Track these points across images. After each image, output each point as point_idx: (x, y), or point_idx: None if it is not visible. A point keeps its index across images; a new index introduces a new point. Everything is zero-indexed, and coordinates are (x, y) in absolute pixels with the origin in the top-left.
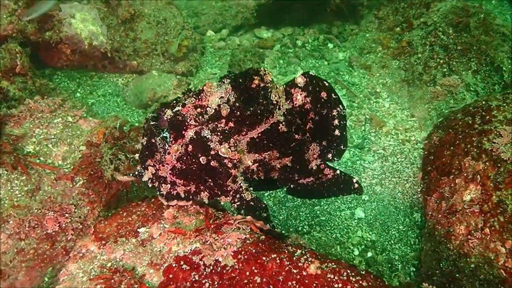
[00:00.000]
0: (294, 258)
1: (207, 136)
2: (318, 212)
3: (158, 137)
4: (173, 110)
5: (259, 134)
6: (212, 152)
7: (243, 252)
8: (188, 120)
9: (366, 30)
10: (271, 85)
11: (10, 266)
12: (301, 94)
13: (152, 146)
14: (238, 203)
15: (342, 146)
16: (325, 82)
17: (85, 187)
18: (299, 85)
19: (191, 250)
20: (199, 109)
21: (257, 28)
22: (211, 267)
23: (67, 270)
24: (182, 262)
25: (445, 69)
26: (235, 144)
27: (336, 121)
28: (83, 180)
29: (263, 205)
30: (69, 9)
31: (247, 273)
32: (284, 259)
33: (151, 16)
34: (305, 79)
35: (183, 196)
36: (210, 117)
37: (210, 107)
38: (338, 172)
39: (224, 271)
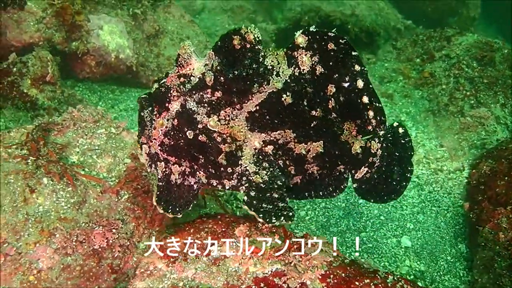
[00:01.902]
0: (389, 285)
1: (193, 108)
2: (364, 238)
3: (146, 110)
4: (159, 82)
5: (257, 107)
6: (200, 126)
7: (331, 276)
8: (171, 91)
9: (385, 59)
10: (266, 50)
11: (56, 283)
12: (306, 55)
13: (142, 120)
14: (246, 185)
15: (379, 117)
16: (330, 33)
17: (130, 202)
18: (301, 45)
19: (271, 271)
20: (182, 79)
21: None
22: None
23: None
24: (262, 284)
25: (472, 101)
26: (227, 118)
27: (365, 99)
28: (128, 194)
29: (280, 184)
30: (98, 20)
31: None
32: (379, 285)
33: (174, 33)
34: (306, 38)
35: (178, 180)
36: (193, 86)
37: (193, 76)
38: (384, 140)
39: None
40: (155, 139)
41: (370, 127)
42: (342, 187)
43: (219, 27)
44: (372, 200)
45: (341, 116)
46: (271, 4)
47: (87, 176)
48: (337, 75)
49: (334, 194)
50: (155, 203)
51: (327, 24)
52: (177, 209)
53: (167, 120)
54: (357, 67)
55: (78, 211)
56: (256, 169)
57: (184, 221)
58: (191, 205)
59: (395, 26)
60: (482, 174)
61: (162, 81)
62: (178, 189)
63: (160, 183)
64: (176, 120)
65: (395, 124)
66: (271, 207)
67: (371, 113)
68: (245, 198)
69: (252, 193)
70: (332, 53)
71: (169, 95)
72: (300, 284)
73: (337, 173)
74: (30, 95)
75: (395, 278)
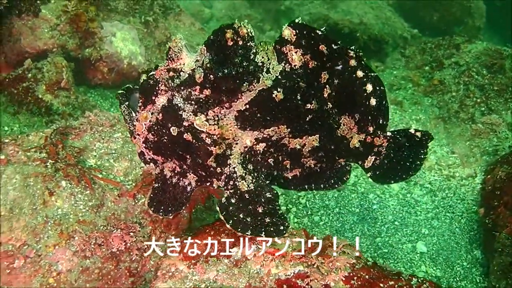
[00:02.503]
0: (414, 286)
1: (179, 105)
2: (380, 243)
3: (123, 104)
4: (148, 74)
5: (247, 106)
6: (185, 124)
7: (355, 278)
8: (159, 85)
9: (393, 67)
10: (257, 45)
11: (75, 286)
12: (296, 52)
13: (125, 116)
14: (231, 190)
15: (381, 120)
16: (318, 31)
17: None
18: (287, 38)
19: (294, 273)
20: (171, 73)
21: None
22: None
23: None
24: (285, 286)
25: (483, 108)
26: (216, 118)
27: (369, 87)
28: (145, 198)
29: (268, 197)
30: (111, 27)
31: None
32: (404, 287)
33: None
34: (294, 31)
35: (173, 179)
36: (182, 82)
37: (183, 71)
38: (392, 134)
39: None
40: (138, 134)
41: (370, 129)
42: (345, 178)
43: None
44: (392, 182)
45: (338, 107)
46: (278, 12)
47: (105, 179)
48: (330, 63)
49: (336, 186)
50: (146, 206)
51: (336, 32)
52: (169, 209)
53: (152, 113)
54: (351, 53)
55: (96, 214)
56: (242, 172)
57: (200, 225)
58: (183, 208)
59: (402, 34)
60: (498, 179)
61: (151, 73)
62: (173, 189)
63: (156, 184)
64: (160, 115)
65: (412, 131)
66: (249, 220)
67: (369, 87)
68: (223, 200)
69: (233, 200)
70: (325, 54)
71: (157, 88)
72: (323, 286)
73: (339, 166)
74: (45, 101)
75: (419, 280)
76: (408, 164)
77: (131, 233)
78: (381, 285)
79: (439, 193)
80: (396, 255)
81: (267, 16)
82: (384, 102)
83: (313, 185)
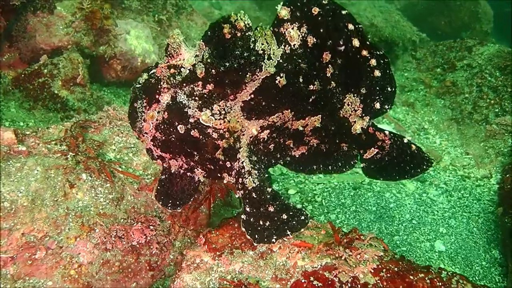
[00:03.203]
0: (444, 279)
1: (184, 102)
2: (398, 242)
3: (140, 100)
4: (149, 73)
5: (252, 96)
6: (192, 120)
7: (384, 270)
8: (161, 83)
9: (404, 69)
10: (255, 33)
11: (96, 278)
12: (293, 28)
13: (134, 112)
14: (242, 191)
15: (389, 88)
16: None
17: None
18: (284, 18)
19: (321, 265)
20: (172, 70)
21: None
22: (349, 285)
23: (182, 280)
24: (312, 278)
25: (497, 109)
26: (222, 112)
27: (372, 61)
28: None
29: (271, 193)
30: (125, 25)
31: None
32: (435, 280)
33: (197, 40)
34: (289, 8)
35: (180, 170)
36: (184, 78)
37: (184, 67)
38: (396, 138)
39: None
40: (146, 132)
41: (377, 105)
42: (352, 163)
43: None
44: (381, 179)
45: (342, 85)
46: None
47: (125, 172)
48: (330, 41)
49: (344, 169)
50: (153, 198)
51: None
52: (177, 202)
53: (158, 112)
54: (350, 26)
55: (116, 207)
56: (249, 166)
57: (218, 220)
58: (191, 199)
59: (411, 38)
60: None
61: (152, 71)
62: (180, 181)
63: (163, 177)
64: (166, 113)
65: (405, 140)
66: (268, 223)
67: (373, 61)
68: (244, 217)
69: (248, 209)
70: (319, 19)
71: (159, 86)
72: (352, 278)
73: (345, 150)
74: (60, 96)
75: (449, 273)
76: (404, 170)
77: (151, 227)
78: (411, 277)
79: (454, 193)
80: (415, 253)
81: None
82: (389, 71)
83: (321, 166)
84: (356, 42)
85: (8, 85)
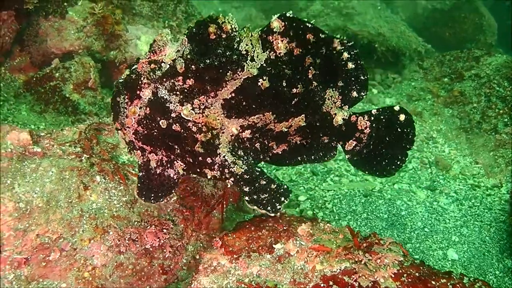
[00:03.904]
0: (467, 285)
1: (165, 97)
2: (410, 250)
3: (122, 95)
4: (131, 68)
5: (233, 94)
6: (173, 115)
7: (405, 275)
8: (142, 78)
9: (412, 79)
10: (240, 33)
11: (110, 281)
12: (282, 41)
13: (116, 106)
14: (232, 178)
15: (362, 77)
16: (308, 24)
17: (179, 203)
18: (275, 30)
19: (340, 269)
20: (152, 65)
21: None
22: None
23: (200, 283)
24: (331, 282)
25: (506, 119)
26: (202, 106)
27: (345, 55)
28: (177, 196)
29: (258, 173)
30: (136, 31)
31: None
32: (457, 285)
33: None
34: (283, 23)
35: (157, 169)
36: (164, 73)
37: (164, 62)
38: (375, 120)
39: None
40: (128, 127)
41: (354, 93)
42: (332, 154)
43: None
44: (366, 172)
45: (323, 82)
46: None
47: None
48: (314, 49)
49: (326, 159)
50: (136, 196)
51: (355, 43)
52: (159, 194)
53: (140, 108)
54: (336, 42)
55: (130, 210)
56: (233, 158)
57: (230, 224)
58: (173, 191)
59: (416, 49)
60: None
61: (133, 67)
62: (159, 177)
63: (141, 173)
64: (148, 109)
65: (396, 108)
66: (267, 195)
67: (345, 55)
68: (246, 198)
69: (246, 189)
70: (312, 44)
71: (140, 82)
72: (372, 283)
73: (325, 142)
74: (72, 100)
75: (471, 279)
76: (383, 165)
77: (165, 230)
78: (433, 282)
79: (465, 202)
80: (427, 261)
81: None
82: (360, 62)
83: (305, 157)
84: (337, 46)
85: (19, 88)
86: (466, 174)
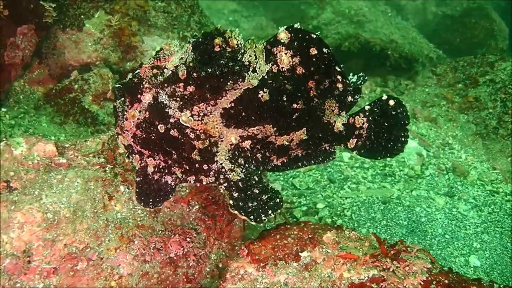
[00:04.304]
0: None
1: (165, 102)
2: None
3: (118, 100)
4: (133, 73)
5: (232, 104)
6: (172, 120)
7: (434, 282)
8: (143, 82)
9: (425, 85)
10: (245, 44)
11: None
12: (286, 54)
13: (116, 111)
14: (225, 184)
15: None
16: (313, 35)
17: (201, 212)
18: (282, 41)
19: (368, 277)
20: (155, 70)
21: None
22: None
23: None
24: None
25: None
26: (201, 113)
27: (339, 85)
28: (199, 204)
29: (254, 182)
30: (151, 42)
31: None
32: None
33: None
34: (289, 35)
35: (155, 175)
36: (166, 79)
37: (167, 68)
38: (370, 114)
39: None
40: (127, 130)
41: (349, 98)
42: (331, 158)
43: None
44: (378, 158)
45: (321, 97)
46: None
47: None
48: (317, 76)
49: (325, 162)
50: (135, 201)
51: (367, 50)
52: (157, 200)
53: (139, 111)
54: (338, 77)
55: (154, 219)
56: (231, 166)
57: (251, 233)
58: (171, 196)
59: (428, 55)
60: None
61: (136, 71)
62: (156, 182)
63: (138, 178)
64: (147, 113)
65: (384, 97)
66: (256, 204)
67: (340, 85)
68: (231, 202)
69: (235, 194)
70: (314, 60)
71: (141, 86)
72: None
73: (326, 149)
74: (91, 111)
75: (501, 286)
76: (391, 142)
77: (188, 239)
78: None
79: (484, 208)
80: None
81: None
82: (341, 66)
83: (305, 162)
84: (339, 85)
85: (39, 100)
86: (484, 180)
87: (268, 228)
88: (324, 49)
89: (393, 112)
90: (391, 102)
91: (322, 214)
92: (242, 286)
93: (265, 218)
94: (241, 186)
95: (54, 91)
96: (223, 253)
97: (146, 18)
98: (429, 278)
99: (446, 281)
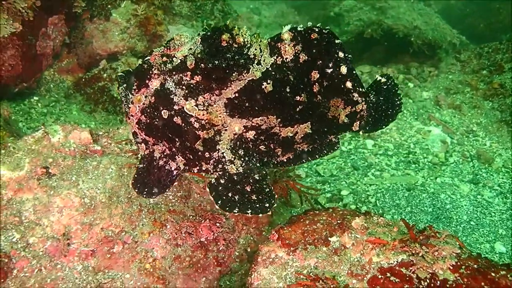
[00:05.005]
0: None
1: (171, 89)
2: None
3: (121, 87)
4: (144, 59)
5: (236, 94)
6: (176, 107)
7: (463, 267)
8: (153, 69)
9: (449, 72)
10: (251, 38)
11: (169, 272)
12: (289, 45)
13: (122, 97)
14: (220, 173)
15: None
16: (314, 27)
17: None
18: (285, 41)
19: (397, 262)
20: (165, 58)
21: None
22: (427, 281)
23: (259, 274)
24: (389, 274)
25: None
26: (206, 104)
27: (348, 84)
28: None
29: (256, 178)
30: (176, 30)
31: None
32: None
33: None
34: (292, 35)
35: (160, 161)
36: (174, 67)
37: (176, 57)
38: (368, 96)
39: (447, 285)
40: (132, 115)
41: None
42: (336, 148)
43: None
44: (383, 127)
45: (327, 98)
46: (328, 19)
47: (191, 172)
48: (320, 61)
49: (329, 153)
50: (131, 186)
51: (390, 36)
52: (153, 191)
53: (145, 96)
54: (340, 54)
55: (185, 205)
56: (231, 157)
57: (278, 219)
58: (167, 190)
59: (451, 41)
60: None
61: (146, 58)
62: (158, 171)
63: (141, 165)
64: (153, 98)
65: (378, 78)
66: (237, 197)
67: (355, 95)
68: (213, 181)
69: (222, 181)
70: (315, 42)
71: (150, 72)
72: (430, 275)
73: (332, 140)
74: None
75: None
76: (389, 110)
77: (218, 224)
78: (493, 274)
79: (509, 195)
80: None
81: (316, 23)
82: (361, 88)
83: (309, 157)
84: (343, 69)
85: (68, 89)
86: (509, 167)
87: (296, 214)
88: (324, 30)
89: (384, 86)
90: (383, 80)
91: (347, 201)
92: (273, 269)
93: (237, 211)
94: (235, 179)
95: (83, 80)
96: (251, 238)
97: (171, 7)
98: (458, 263)
99: (475, 265)
